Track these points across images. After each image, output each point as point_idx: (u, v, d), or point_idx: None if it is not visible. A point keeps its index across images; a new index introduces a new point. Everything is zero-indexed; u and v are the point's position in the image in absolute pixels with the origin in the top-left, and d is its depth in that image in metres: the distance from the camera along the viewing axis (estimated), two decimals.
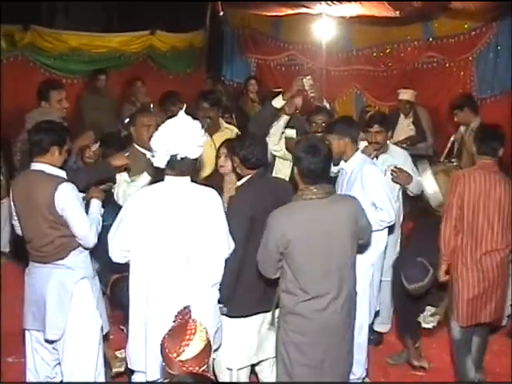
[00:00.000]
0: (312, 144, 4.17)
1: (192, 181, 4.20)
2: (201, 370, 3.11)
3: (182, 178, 4.11)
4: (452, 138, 7.70)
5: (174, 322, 3.23)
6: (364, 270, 4.98)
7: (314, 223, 4.05)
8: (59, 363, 4.77)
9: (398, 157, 5.99)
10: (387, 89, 10.58)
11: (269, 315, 4.52)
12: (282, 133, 6.05)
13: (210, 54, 12.23)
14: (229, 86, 11.67)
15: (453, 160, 7.29)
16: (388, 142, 6.09)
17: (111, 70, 9.70)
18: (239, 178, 4.89)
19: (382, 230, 5.10)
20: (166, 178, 4.13)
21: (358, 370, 5.05)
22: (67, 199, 4.42)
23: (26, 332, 4.81)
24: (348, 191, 5.05)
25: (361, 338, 5.00)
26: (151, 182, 4.81)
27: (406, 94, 9.02)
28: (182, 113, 4.13)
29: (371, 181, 5.03)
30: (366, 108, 9.75)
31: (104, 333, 4.69)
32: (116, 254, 4.24)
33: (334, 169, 5.44)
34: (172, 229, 4.09)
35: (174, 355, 3.06)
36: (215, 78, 11.42)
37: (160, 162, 4.07)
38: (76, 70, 9.54)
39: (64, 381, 4.74)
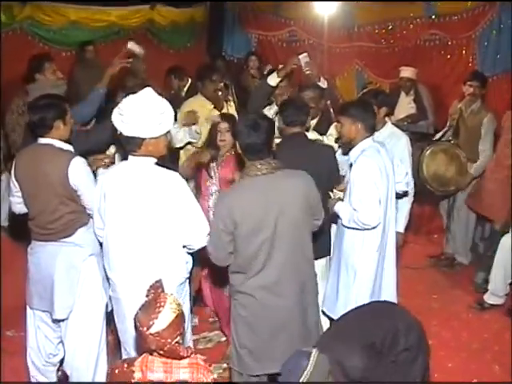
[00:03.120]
0: (252, 119, 4.10)
1: (158, 164, 4.12)
2: (173, 341, 3.14)
3: (142, 157, 4.03)
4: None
5: (147, 296, 3.27)
6: (357, 265, 4.88)
7: (259, 200, 3.95)
8: (62, 341, 4.77)
9: (394, 141, 5.64)
10: (389, 66, 10.48)
11: None
12: None
13: (211, 29, 12.14)
14: (229, 61, 11.59)
15: (450, 138, 7.27)
16: (388, 121, 5.90)
17: (110, 44, 9.65)
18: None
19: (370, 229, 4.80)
20: (129, 157, 4.09)
21: None
22: (81, 174, 4.41)
23: (28, 310, 4.78)
24: (349, 180, 4.91)
25: None
26: None
27: (407, 72, 8.98)
28: (147, 89, 4.04)
29: (356, 176, 4.74)
30: (367, 85, 9.70)
31: (109, 310, 4.64)
32: (95, 233, 4.37)
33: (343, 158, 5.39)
34: (124, 210, 4.04)
35: (145, 329, 3.12)
36: (216, 54, 11.37)
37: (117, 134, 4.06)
38: (75, 44, 9.40)
39: (66, 356, 4.72)
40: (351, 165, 4.89)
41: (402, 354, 3.71)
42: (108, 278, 4.33)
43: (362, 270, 4.89)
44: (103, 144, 5.28)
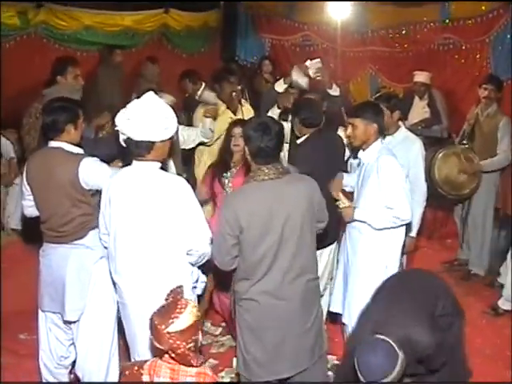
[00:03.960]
0: (262, 122, 4.09)
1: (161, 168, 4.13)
2: (188, 346, 3.14)
3: (146, 162, 4.03)
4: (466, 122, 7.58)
5: (166, 300, 3.28)
6: (377, 271, 4.81)
7: (266, 205, 3.94)
8: (73, 343, 4.79)
9: (408, 146, 5.61)
10: (402, 70, 10.47)
11: None
12: None
13: (225, 33, 12.18)
14: (243, 66, 11.60)
15: (464, 142, 7.22)
16: (402, 125, 5.84)
17: (125, 48, 9.70)
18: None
19: (397, 227, 4.84)
20: (133, 161, 4.09)
21: None
22: (93, 171, 4.42)
23: (40, 312, 4.81)
24: (364, 184, 4.88)
25: None
26: None
27: (421, 76, 8.95)
28: (149, 94, 4.06)
29: (386, 174, 4.72)
30: (381, 89, 9.68)
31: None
32: (101, 239, 4.37)
33: (354, 162, 5.39)
34: (130, 214, 4.04)
35: (163, 327, 3.13)
36: (229, 58, 11.40)
37: (121, 140, 4.05)
38: (89, 48, 9.48)
39: (78, 359, 4.74)
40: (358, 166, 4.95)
41: (441, 319, 3.70)
42: (114, 283, 4.33)
43: (391, 268, 4.88)
44: (110, 155, 5.28)
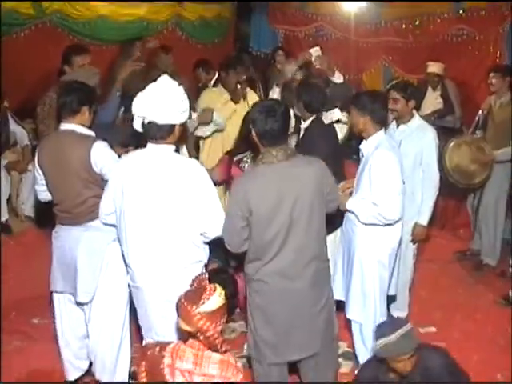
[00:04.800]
0: (267, 105, 4.09)
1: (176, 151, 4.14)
2: (217, 329, 3.15)
3: (162, 145, 4.03)
4: (480, 112, 7.55)
5: (191, 286, 3.29)
6: (369, 264, 4.81)
7: (275, 187, 3.94)
8: None
9: (421, 134, 5.57)
10: (416, 61, 10.42)
11: None
12: None
13: (238, 24, 12.20)
14: (256, 56, 11.62)
15: (477, 132, 7.20)
16: (416, 114, 5.77)
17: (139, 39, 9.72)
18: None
19: (392, 225, 4.74)
20: (148, 144, 4.09)
21: None
22: (104, 156, 4.45)
23: (55, 295, 4.86)
24: (361, 175, 4.80)
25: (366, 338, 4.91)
26: None
27: (434, 67, 8.91)
28: (164, 77, 4.06)
29: (377, 169, 4.61)
30: (394, 80, 9.65)
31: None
32: (101, 217, 4.37)
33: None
34: (144, 197, 4.03)
35: (194, 307, 3.12)
36: (243, 49, 11.42)
37: (137, 125, 4.06)
38: (104, 38, 9.52)
39: (90, 341, 4.79)
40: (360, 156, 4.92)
41: None
42: (126, 266, 4.33)
43: (381, 265, 4.85)
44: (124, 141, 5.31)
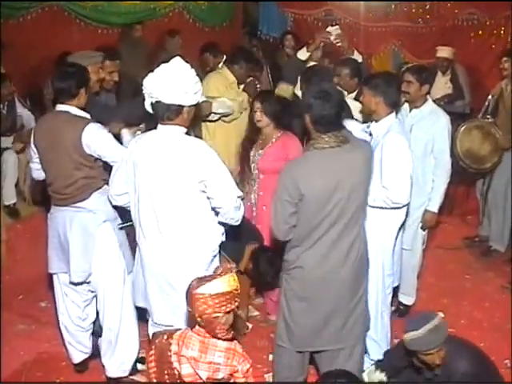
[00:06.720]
0: (323, 89, 3.95)
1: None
2: (213, 315, 3.10)
3: (171, 126, 3.99)
4: (490, 97, 7.49)
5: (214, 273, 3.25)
6: (372, 246, 4.59)
7: (327, 173, 3.86)
8: (89, 304, 4.93)
9: (434, 119, 5.50)
10: (425, 46, 10.36)
11: None
12: None
13: (247, 7, 12.11)
14: (265, 40, 11.54)
15: (488, 116, 7.15)
16: (429, 99, 5.68)
17: (147, 22, 9.68)
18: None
19: (391, 209, 4.65)
20: (158, 125, 4.06)
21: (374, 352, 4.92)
22: (97, 138, 4.44)
23: (54, 276, 4.90)
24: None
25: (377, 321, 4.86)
26: None
27: (444, 51, 8.87)
28: (176, 58, 4.02)
29: (389, 152, 4.53)
30: (403, 65, 9.58)
31: (128, 273, 4.69)
32: (112, 199, 4.38)
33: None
34: (156, 177, 4.00)
35: (194, 287, 3.11)
36: (251, 33, 11.34)
37: (147, 104, 4.03)
38: (111, 21, 9.48)
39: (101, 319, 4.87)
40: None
41: None
42: (138, 246, 4.30)
43: (385, 248, 4.80)
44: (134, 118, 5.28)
